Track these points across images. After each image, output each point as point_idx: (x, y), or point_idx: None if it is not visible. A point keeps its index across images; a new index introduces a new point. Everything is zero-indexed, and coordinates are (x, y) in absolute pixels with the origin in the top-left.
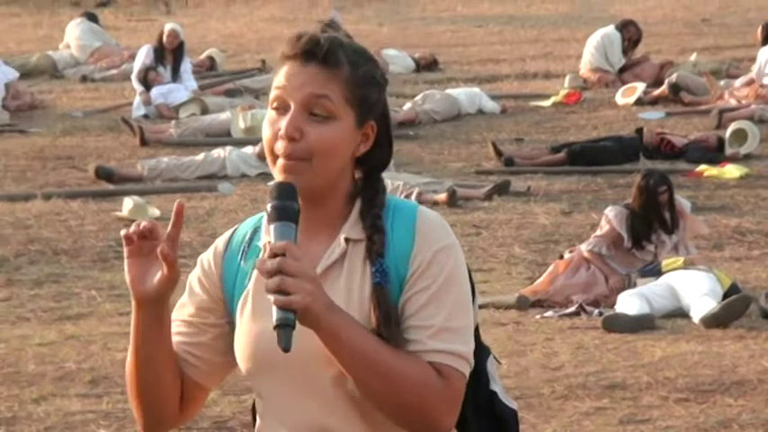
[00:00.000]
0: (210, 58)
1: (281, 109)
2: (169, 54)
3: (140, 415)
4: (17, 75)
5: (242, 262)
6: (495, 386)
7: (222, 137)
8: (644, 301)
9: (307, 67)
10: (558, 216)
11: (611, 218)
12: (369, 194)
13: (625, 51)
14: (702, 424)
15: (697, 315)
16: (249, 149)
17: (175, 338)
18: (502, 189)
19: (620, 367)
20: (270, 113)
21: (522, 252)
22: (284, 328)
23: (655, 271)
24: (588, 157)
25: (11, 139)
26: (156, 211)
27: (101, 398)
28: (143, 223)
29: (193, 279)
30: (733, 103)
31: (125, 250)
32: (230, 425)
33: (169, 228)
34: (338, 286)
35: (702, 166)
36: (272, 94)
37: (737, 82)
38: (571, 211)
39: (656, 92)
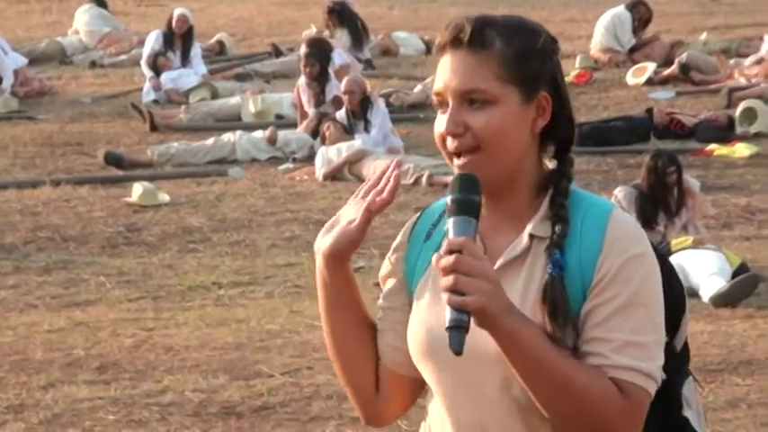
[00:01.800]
0: (220, 43)
1: (444, 105)
2: (178, 39)
3: (353, 398)
4: (26, 61)
5: (426, 244)
6: (689, 412)
7: (232, 121)
8: None
9: (456, 57)
10: None
11: (620, 198)
12: (556, 178)
13: (635, 31)
14: (711, 404)
15: (706, 294)
16: (259, 134)
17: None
18: None
19: None
20: (438, 113)
21: None
22: (456, 329)
23: (664, 251)
24: (598, 137)
25: (19, 125)
26: (165, 197)
27: (109, 384)
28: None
29: (385, 262)
30: (743, 82)
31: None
32: (239, 410)
33: (387, 193)
34: (517, 283)
35: (712, 146)
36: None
37: (747, 61)
38: None
39: (667, 72)
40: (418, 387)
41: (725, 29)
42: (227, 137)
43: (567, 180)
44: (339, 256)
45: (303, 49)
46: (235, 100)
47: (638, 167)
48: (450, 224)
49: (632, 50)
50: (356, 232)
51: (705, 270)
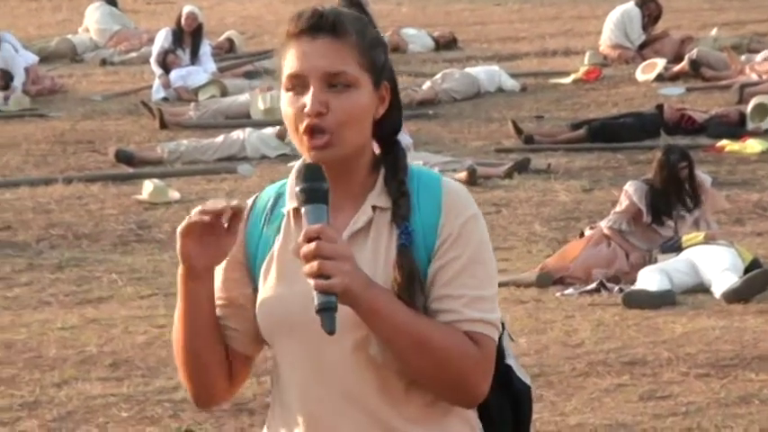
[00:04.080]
0: (229, 40)
1: (299, 87)
2: (188, 37)
3: (190, 385)
4: (37, 59)
5: (265, 228)
6: (510, 360)
7: (242, 119)
8: (665, 277)
9: (317, 41)
10: (578, 193)
11: (630, 193)
12: (391, 159)
13: (645, 27)
14: (723, 399)
15: (718, 290)
16: (269, 130)
17: None
18: (522, 167)
19: (640, 343)
20: (286, 95)
21: (542, 230)
22: (327, 311)
23: (675, 247)
24: (608, 133)
25: (31, 123)
26: (176, 194)
27: (122, 381)
28: (233, 204)
29: None
30: (754, 77)
31: (190, 225)
32: (251, 407)
33: (235, 202)
34: (365, 252)
35: (723, 141)
36: (285, 75)
37: (759, 56)
38: (591, 188)
39: (677, 68)
40: (250, 365)
41: (736, 24)
42: (237, 134)
43: (404, 156)
44: (213, 267)
45: None
46: (244, 97)
47: (649, 164)
48: (304, 213)
49: (642, 47)
50: (232, 241)
51: (717, 266)
